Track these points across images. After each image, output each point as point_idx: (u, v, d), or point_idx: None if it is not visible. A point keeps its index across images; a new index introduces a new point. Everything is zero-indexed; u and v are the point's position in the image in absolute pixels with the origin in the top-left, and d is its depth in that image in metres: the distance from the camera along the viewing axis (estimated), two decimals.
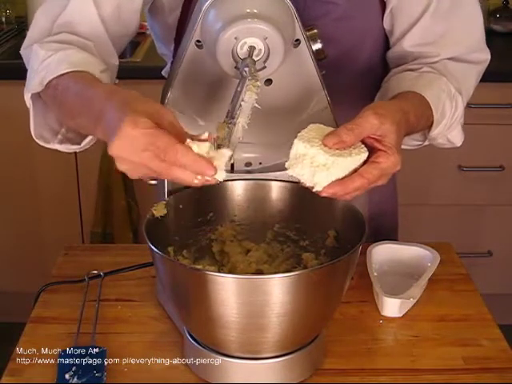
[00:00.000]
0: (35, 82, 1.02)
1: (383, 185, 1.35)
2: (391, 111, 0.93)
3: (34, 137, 1.08)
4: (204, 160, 0.81)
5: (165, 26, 1.21)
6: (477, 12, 1.17)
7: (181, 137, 0.82)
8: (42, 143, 1.08)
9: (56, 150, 1.09)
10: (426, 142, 1.16)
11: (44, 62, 1.02)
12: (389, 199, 1.40)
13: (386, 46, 1.23)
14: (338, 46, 1.15)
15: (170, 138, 0.80)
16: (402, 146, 1.17)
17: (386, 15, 1.17)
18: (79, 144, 1.06)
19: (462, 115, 1.15)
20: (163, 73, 1.36)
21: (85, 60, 1.03)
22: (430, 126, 1.10)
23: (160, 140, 0.80)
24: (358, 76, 1.22)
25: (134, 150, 0.80)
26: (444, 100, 1.10)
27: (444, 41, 1.16)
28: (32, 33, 1.11)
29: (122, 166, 0.83)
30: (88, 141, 1.04)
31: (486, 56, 1.20)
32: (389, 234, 1.34)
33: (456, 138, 1.16)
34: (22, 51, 1.12)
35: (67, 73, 0.98)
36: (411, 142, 1.16)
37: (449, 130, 1.14)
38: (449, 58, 1.16)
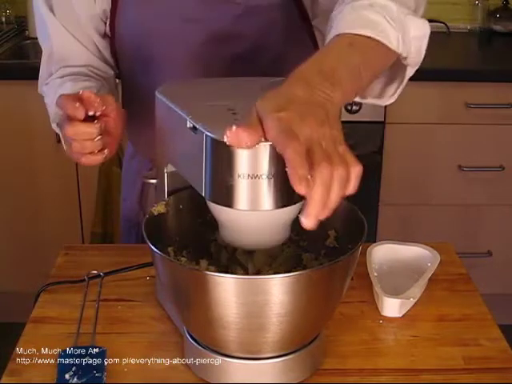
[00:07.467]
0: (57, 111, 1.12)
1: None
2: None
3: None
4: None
5: None
6: None
7: None
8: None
9: (55, 151, 1.10)
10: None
11: (55, 93, 1.12)
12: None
13: (301, 21, 1.20)
14: (247, 40, 1.15)
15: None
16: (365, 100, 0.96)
17: None
18: None
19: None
20: None
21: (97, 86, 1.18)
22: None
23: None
24: (271, 64, 1.20)
25: None
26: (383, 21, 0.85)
27: None
28: (41, 70, 1.27)
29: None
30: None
31: None
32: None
33: (390, 89, 0.96)
34: (39, 91, 1.29)
35: None
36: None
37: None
38: None
